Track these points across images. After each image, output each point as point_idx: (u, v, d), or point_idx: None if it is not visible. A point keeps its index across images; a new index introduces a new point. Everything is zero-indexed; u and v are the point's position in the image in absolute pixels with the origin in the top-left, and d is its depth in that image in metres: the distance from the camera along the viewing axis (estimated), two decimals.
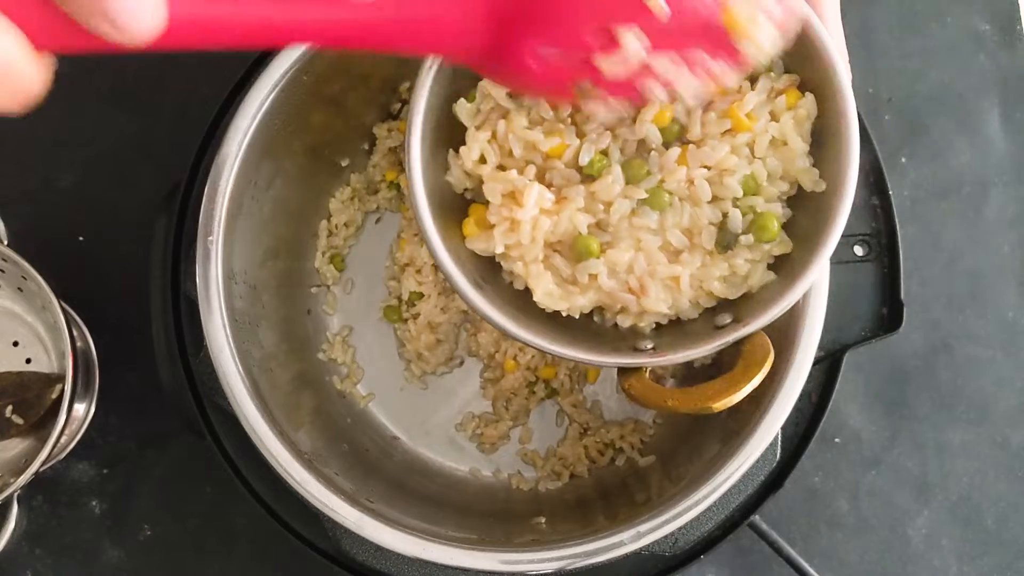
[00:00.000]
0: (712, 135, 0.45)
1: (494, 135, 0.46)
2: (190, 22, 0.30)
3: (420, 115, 0.45)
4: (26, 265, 0.63)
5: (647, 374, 0.47)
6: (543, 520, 0.61)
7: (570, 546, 0.54)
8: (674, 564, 0.61)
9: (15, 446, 0.69)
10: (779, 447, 0.57)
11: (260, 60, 0.60)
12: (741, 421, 0.56)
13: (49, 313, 0.65)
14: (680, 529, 0.54)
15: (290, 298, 0.68)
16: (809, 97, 0.45)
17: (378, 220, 0.73)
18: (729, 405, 0.44)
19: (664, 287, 0.46)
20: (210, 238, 0.56)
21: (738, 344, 0.45)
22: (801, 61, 0.45)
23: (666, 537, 0.54)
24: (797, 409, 0.55)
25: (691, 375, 0.69)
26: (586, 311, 0.47)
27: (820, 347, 0.55)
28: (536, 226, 0.45)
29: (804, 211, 0.46)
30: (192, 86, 0.73)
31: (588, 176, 0.46)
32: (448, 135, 0.47)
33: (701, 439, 0.61)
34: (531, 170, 0.46)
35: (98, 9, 0.28)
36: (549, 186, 0.46)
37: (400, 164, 0.72)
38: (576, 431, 0.69)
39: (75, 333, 0.65)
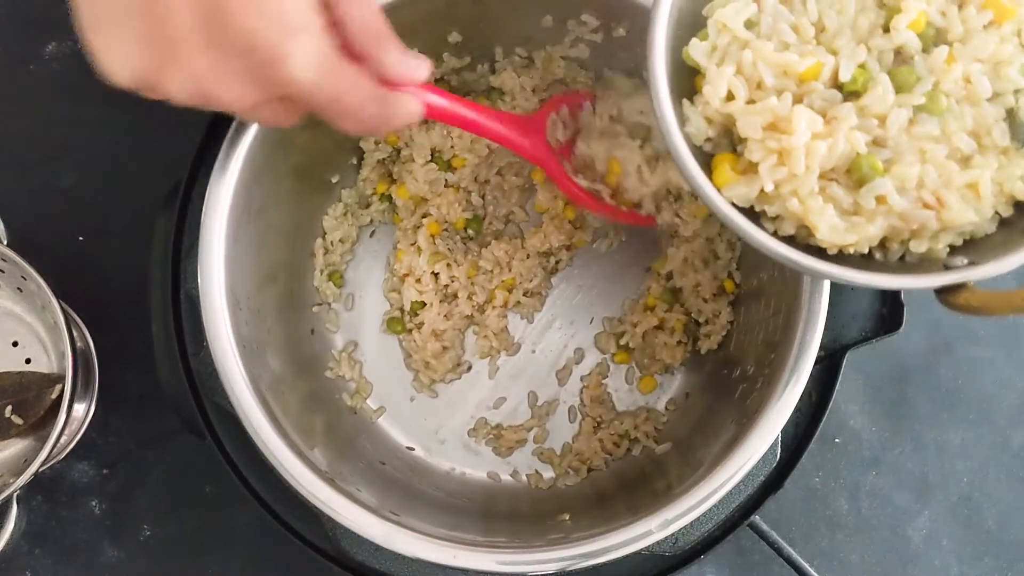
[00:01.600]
0: (975, 30, 0.42)
1: (739, 68, 0.43)
2: (433, 110, 0.52)
3: (661, 59, 0.43)
4: (26, 265, 0.63)
5: (973, 286, 0.42)
6: (567, 517, 0.61)
7: (597, 539, 0.54)
8: (674, 564, 0.61)
9: (15, 446, 0.69)
10: (779, 447, 0.57)
11: None
12: (756, 401, 0.56)
13: (49, 313, 0.65)
14: (680, 529, 0.54)
15: (292, 320, 0.68)
16: None
17: (372, 233, 0.73)
18: None
19: (963, 196, 0.42)
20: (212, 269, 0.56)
21: None
22: None
23: (666, 537, 0.54)
24: (797, 409, 0.55)
25: (698, 362, 0.69)
26: (874, 242, 0.43)
27: (820, 347, 0.55)
28: (811, 152, 0.41)
29: None
30: None
31: (851, 93, 0.43)
32: (675, 87, 0.44)
33: (716, 422, 0.61)
34: (787, 98, 0.42)
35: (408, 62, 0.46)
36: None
37: (390, 175, 0.72)
38: (590, 425, 0.69)
39: (75, 333, 0.65)
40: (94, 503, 0.71)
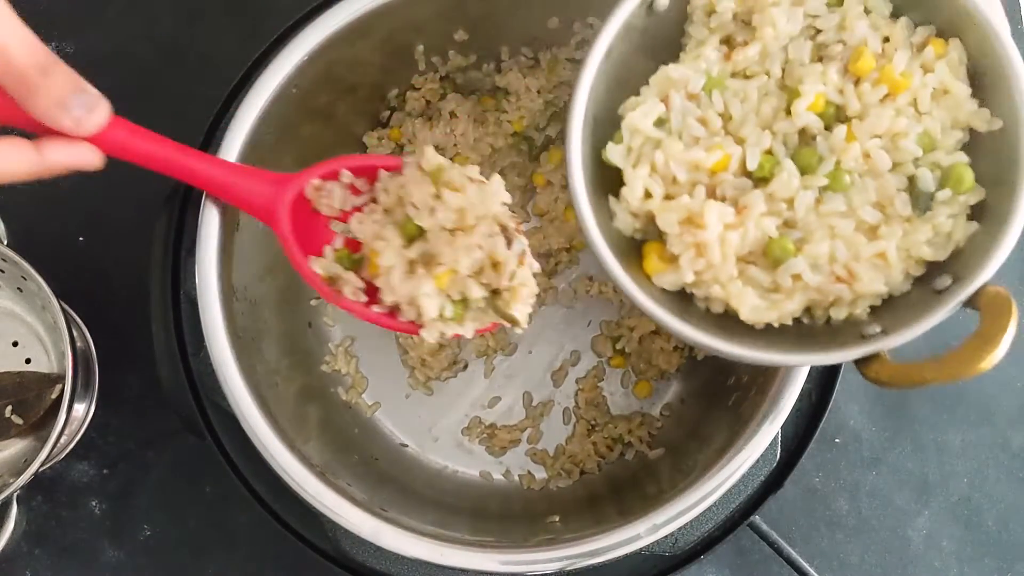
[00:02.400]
0: (872, 104, 0.44)
1: (653, 167, 0.45)
2: (112, 139, 0.48)
3: (579, 168, 0.45)
4: (26, 265, 0.63)
5: (886, 356, 0.44)
6: (557, 519, 0.61)
7: (586, 542, 0.54)
8: (674, 564, 0.60)
9: (15, 446, 0.69)
10: (779, 447, 0.57)
11: (258, 63, 0.60)
12: (749, 409, 0.56)
13: (49, 313, 0.65)
14: (680, 529, 0.54)
15: (290, 312, 0.68)
16: (954, 41, 0.44)
17: None
18: (995, 362, 0.41)
19: (873, 266, 0.44)
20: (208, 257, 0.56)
21: (970, 301, 0.43)
22: (930, 11, 0.44)
23: (666, 537, 0.54)
24: (797, 409, 0.55)
25: (694, 368, 0.69)
26: (796, 315, 0.46)
27: None
28: (724, 243, 0.44)
29: (984, 156, 0.44)
30: (191, 87, 0.73)
31: (760, 179, 0.45)
32: (601, 183, 0.46)
33: (710, 429, 0.61)
34: (700, 191, 0.45)
35: (61, 113, 0.43)
36: (723, 200, 0.45)
37: None
38: (584, 428, 0.69)
39: (75, 333, 0.65)
40: (94, 503, 0.71)
